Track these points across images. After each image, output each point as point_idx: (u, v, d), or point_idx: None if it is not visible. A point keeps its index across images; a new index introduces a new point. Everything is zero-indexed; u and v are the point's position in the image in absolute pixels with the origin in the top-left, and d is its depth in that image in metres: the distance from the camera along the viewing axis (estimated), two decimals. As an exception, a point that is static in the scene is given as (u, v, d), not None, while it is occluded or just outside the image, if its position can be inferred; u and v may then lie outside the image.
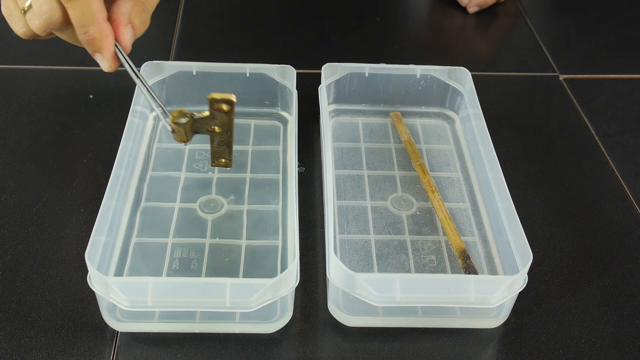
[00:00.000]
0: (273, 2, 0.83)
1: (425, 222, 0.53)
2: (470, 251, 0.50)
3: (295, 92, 0.58)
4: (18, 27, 0.49)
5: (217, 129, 0.46)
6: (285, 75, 0.59)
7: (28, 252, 0.50)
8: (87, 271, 0.42)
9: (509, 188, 0.49)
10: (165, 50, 0.72)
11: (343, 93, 0.62)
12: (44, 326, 0.45)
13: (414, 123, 0.62)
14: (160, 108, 0.47)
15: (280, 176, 0.56)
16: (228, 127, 0.46)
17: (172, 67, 0.59)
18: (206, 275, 0.48)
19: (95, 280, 0.42)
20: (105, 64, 0.47)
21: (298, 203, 0.49)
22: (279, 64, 0.59)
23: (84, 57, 0.70)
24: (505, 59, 0.75)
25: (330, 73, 0.60)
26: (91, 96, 0.65)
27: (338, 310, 0.46)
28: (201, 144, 0.59)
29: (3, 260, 0.49)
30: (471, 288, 0.42)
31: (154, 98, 0.47)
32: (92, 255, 0.43)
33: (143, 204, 0.53)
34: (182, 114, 0.45)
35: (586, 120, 0.66)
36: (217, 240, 0.50)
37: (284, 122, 0.61)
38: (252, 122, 0.61)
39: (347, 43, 0.76)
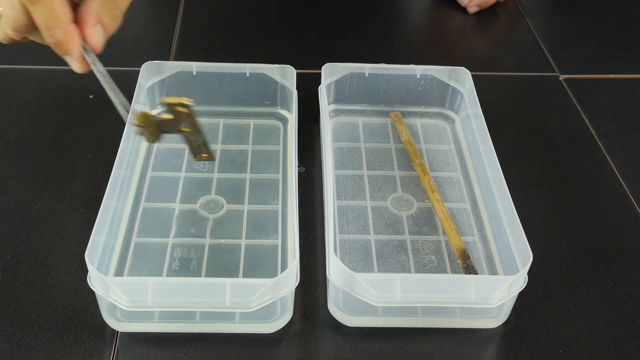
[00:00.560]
0: (273, 2, 0.83)
1: (425, 222, 0.53)
2: (470, 251, 0.50)
3: (295, 92, 0.58)
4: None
5: (185, 128, 0.46)
6: (285, 75, 0.59)
7: (28, 252, 0.50)
8: (87, 271, 0.42)
9: (509, 188, 0.49)
10: (165, 50, 0.72)
11: (343, 93, 0.62)
12: (44, 326, 0.45)
13: (414, 123, 0.62)
14: (125, 111, 0.47)
15: (280, 176, 0.56)
16: (194, 126, 0.46)
17: (172, 67, 0.59)
18: (206, 275, 0.48)
19: (95, 280, 0.42)
20: (75, 65, 0.47)
21: (298, 203, 0.49)
22: (279, 64, 0.59)
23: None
24: (505, 59, 0.75)
25: (330, 73, 0.60)
26: (91, 96, 0.65)
27: (338, 310, 0.46)
28: (201, 144, 0.59)
29: (3, 260, 0.49)
30: (471, 288, 0.42)
31: (119, 101, 0.47)
32: (92, 255, 0.43)
33: (143, 204, 0.53)
34: (145, 118, 0.46)
35: (586, 120, 0.66)
36: (217, 240, 0.50)
37: (284, 122, 0.61)
38: (252, 122, 0.61)
39: (347, 43, 0.76)
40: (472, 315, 0.46)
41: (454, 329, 0.46)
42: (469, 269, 0.48)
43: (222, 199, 0.54)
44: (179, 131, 0.46)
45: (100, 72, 0.47)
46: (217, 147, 0.58)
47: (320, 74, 0.59)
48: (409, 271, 0.49)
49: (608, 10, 0.84)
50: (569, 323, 0.47)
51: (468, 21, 0.81)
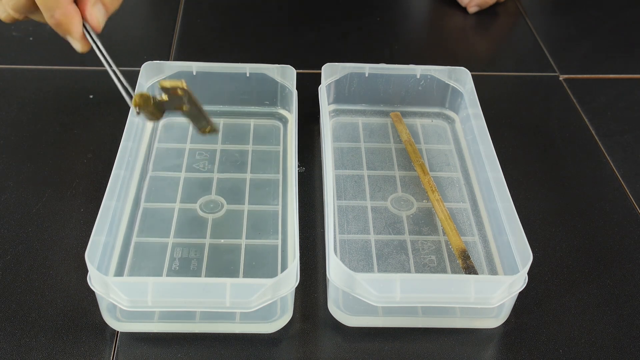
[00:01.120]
0: (273, 2, 0.83)
1: (425, 222, 0.53)
2: (470, 251, 0.50)
3: (295, 92, 0.58)
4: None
5: (184, 107, 0.47)
6: (285, 75, 0.59)
7: (28, 252, 0.50)
8: (87, 271, 0.42)
9: (509, 188, 0.49)
10: (165, 50, 0.72)
11: (343, 93, 0.62)
12: (44, 326, 0.45)
13: (414, 123, 0.62)
14: (126, 91, 0.47)
15: (280, 176, 0.56)
16: (193, 103, 0.47)
17: (172, 67, 0.59)
18: (206, 275, 0.48)
19: (95, 280, 0.42)
20: (77, 45, 0.47)
21: (298, 203, 0.49)
22: (279, 64, 0.59)
23: (84, 57, 0.70)
24: (505, 59, 0.75)
25: (330, 73, 0.60)
26: (91, 96, 0.65)
27: (338, 310, 0.46)
28: (201, 144, 0.59)
29: (3, 260, 0.49)
30: (471, 288, 0.42)
31: (120, 81, 0.47)
32: (92, 255, 0.43)
33: (143, 204, 0.53)
34: (144, 99, 0.46)
35: (586, 120, 0.66)
36: (217, 240, 0.50)
37: (284, 122, 0.61)
38: (252, 122, 0.61)
39: (347, 43, 0.76)
40: (472, 315, 0.46)
41: (454, 329, 0.46)
42: (469, 269, 0.48)
43: (222, 199, 0.54)
44: (179, 109, 0.47)
45: (101, 52, 0.48)
46: (217, 147, 0.58)
47: (320, 74, 0.59)
48: (409, 271, 0.49)
49: (608, 10, 0.84)
50: (569, 323, 0.47)
51: (468, 21, 0.81)
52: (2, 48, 0.71)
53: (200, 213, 0.52)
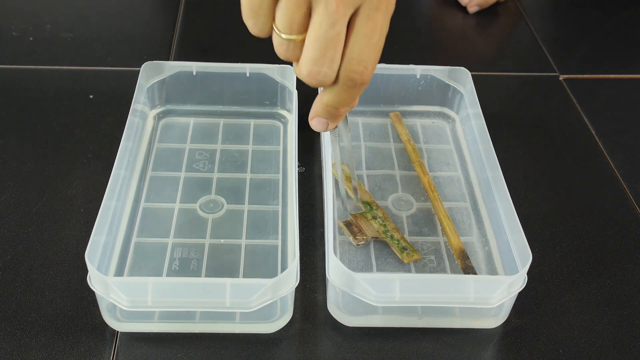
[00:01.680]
0: (273, 2, 0.82)
1: (425, 222, 0.53)
2: (470, 251, 0.50)
3: (295, 92, 0.58)
4: (258, 27, 0.42)
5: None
6: (285, 75, 0.59)
7: (28, 252, 0.50)
8: (87, 271, 0.42)
9: (509, 188, 0.49)
10: (165, 50, 0.72)
11: (343, 93, 0.62)
12: (44, 326, 0.45)
13: (414, 123, 0.62)
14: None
15: (280, 176, 0.56)
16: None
17: (172, 67, 0.59)
18: (206, 275, 0.48)
19: (95, 280, 0.42)
20: (319, 128, 0.44)
21: (298, 203, 0.49)
22: (279, 64, 0.59)
23: (84, 57, 0.70)
24: (505, 59, 0.75)
25: (330, 73, 0.60)
26: (91, 96, 0.65)
27: (338, 310, 0.46)
28: (201, 144, 0.59)
29: (3, 260, 0.49)
30: (471, 288, 0.42)
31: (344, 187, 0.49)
32: (92, 255, 0.43)
33: (143, 204, 0.53)
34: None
35: (586, 120, 0.66)
36: (217, 240, 0.50)
37: (284, 122, 0.61)
38: (252, 122, 0.61)
39: (347, 43, 0.75)
40: (471, 315, 0.46)
41: (453, 329, 0.46)
42: (468, 269, 0.48)
43: (222, 199, 0.54)
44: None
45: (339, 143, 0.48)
46: (217, 147, 0.58)
47: (320, 74, 0.59)
48: (408, 271, 0.49)
49: (608, 10, 0.84)
50: (569, 323, 0.47)
51: (468, 21, 0.81)
52: (2, 48, 0.71)
53: (200, 213, 0.52)
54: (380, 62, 0.59)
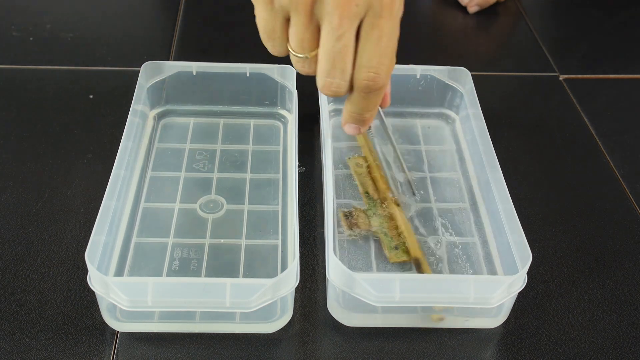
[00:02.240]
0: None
1: (425, 222, 0.53)
2: (470, 251, 0.50)
3: (295, 92, 0.58)
4: (276, 49, 0.43)
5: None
6: (285, 75, 0.59)
7: (28, 252, 0.50)
8: (87, 271, 0.42)
9: (509, 188, 0.49)
10: (165, 50, 0.72)
11: (343, 93, 0.62)
12: (44, 326, 0.45)
13: (414, 123, 0.62)
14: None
15: (280, 176, 0.56)
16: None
17: (172, 67, 0.59)
18: (206, 275, 0.48)
19: (95, 280, 0.42)
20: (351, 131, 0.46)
21: (298, 203, 0.49)
22: (279, 64, 0.59)
23: (84, 57, 0.70)
24: (505, 59, 0.75)
25: (330, 73, 0.60)
26: (91, 96, 0.65)
27: (338, 310, 0.46)
28: (201, 144, 0.59)
29: (3, 260, 0.49)
30: (471, 288, 0.42)
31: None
32: (92, 255, 0.43)
33: (143, 204, 0.53)
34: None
35: (586, 120, 0.66)
36: (217, 240, 0.50)
37: (284, 122, 0.61)
38: (252, 122, 0.61)
39: (347, 43, 0.75)
40: (471, 315, 0.46)
41: (453, 329, 0.46)
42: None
43: (222, 199, 0.54)
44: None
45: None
46: (217, 147, 0.58)
47: (320, 74, 0.59)
48: (408, 271, 0.49)
49: (608, 10, 0.84)
50: (569, 323, 0.47)
51: (468, 21, 0.81)
52: (2, 48, 0.71)
53: (200, 213, 0.52)
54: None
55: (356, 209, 0.52)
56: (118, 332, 0.45)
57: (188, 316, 0.45)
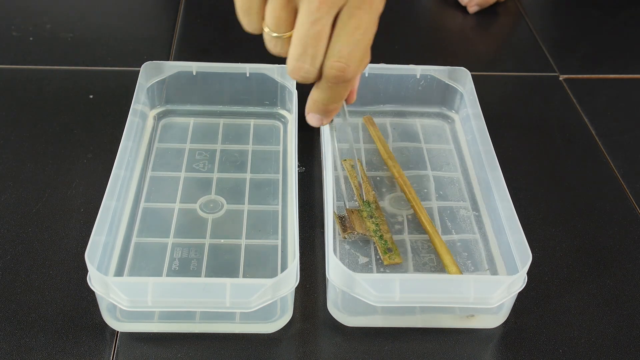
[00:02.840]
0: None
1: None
2: (470, 251, 0.50)
3: (295, 92, 0.58)
4: (251, 25, 0.42)
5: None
6: (285, 75, 0.59)
7: (28, 252, 0.50)
8: (87, 271, 0.42)
9: (509, 188, 0.49)
10: (165, 50, 0.72)
11: (343, 93, 0.62)
12: (44, 326, 0.45)
13: (414, 123, 0.62)
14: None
15: (280, 176, 0.56)
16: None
17: (172, 67, 0.59)
18: (206, 275, 0.48)
19: (95, 280, 0.42)
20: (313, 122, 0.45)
21: (298, 203, 0.49)
22: (279, 64, 0.59)
23: (84, 57, 0.70)
24: (505, 59, 0.75)
25: (330, 73, 0.60)
26: (91, 96, 0.65)
27: (338, 310, 0.46)
28: (201, 144, 0.59)
29: (3, 260, 0.49)
30: (471, 288, 0.42)
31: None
32: (92, 255, 0.43)
33: (143, 204, 0.53)
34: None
35: (586, 120, 0.66)
36: (217, 240, 0.50)
37: (284, 122, 0.61)
38: (252, 122, 0.61)
39: (347, 43, 0.75)
40: (471, 315, 0.46)
41: (453, 329, 0.46)
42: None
43: (222, 199, 0.54)
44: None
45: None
46: (217, 147, 0.58)
47: (320, 74, 0.59)
48: (408, 271, 0.49)
49: (608, 10, 0.84)
50: (569, 323, 0.47)
51: (468, 21, 0.81)
52: (2, 48, 0.71)
53: (200, 213, 0.52)
54: (380, 62, 0.60)
55: (351, 211, 0.52)
56: (118, 332, 0.45)
57: (188, 316, 0.45)
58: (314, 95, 0.42)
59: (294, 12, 0.38)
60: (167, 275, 0.48)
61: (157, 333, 0.45)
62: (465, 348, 0.45)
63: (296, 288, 0.44)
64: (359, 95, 0.61)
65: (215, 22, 0.78)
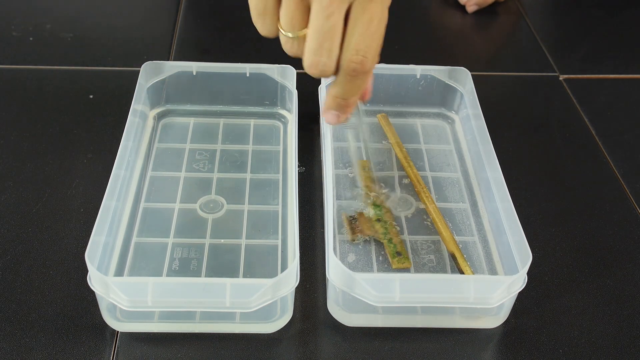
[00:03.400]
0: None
1: (425, 222, 0.53)
2: (470, 251, 0.50)
3: (295, 92, 0.58)
4: (265, 28, 0.43)
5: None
6: (285, 75, 0.59)
7: (28, 252, 0.50)
8: (87, 271, 0.42)
9: (509, 188, 0.49)
10: (165, 50, 0.72)
11: (343, 93, 0.62)
12: (44, 326, 0.45)
13: (414, 123, 0.62)
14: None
15: (280, 176, 0.56)
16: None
17: (172, 67, 0.59)
18: (206, 275, 0.48)
19: (95, 280, 0.42)
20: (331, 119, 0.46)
21: (298, 203, 0.49)
22: (279, 64, 0.59)
23: (84, 57, 0.70)
24: (505, 59, 0.75)
25: (330, 73, 0.60)
26: (91, 96, 0.65)
27: (338, 310, 0.46)
28: (201, 144, 0.59)
29: (3, 260, 0.49)
30: (471, 288, 0.42)
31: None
32: (92, 255, 0.43)
33: (143, 204, 0.53)
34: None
35: (586, 120, 0.66)
36: (217, 240, 0.50)
37: (284, 122, 0.61)
38: (252, 122, 0.61)
39: (347, 43, 0.75)
40: (471, 315, 0.46)
41: (453, 329, 0.46)
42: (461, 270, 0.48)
43: (222, 199, 0.54)
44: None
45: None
46: (217, 147, 0.58)
47: (320, 74, 0.59)
48: (408, 271, 0.49)
49: (608, 10, 0.84)
50: (569, 323, 0.47)
51: (468, 21, 0.81)
52: (2, 48, 0.71)
53: (200, 213, 0.52)
54: (380, 62, 0.60)
55: (360, 213, 0.52)
56: (118, 332, 0.45)
57: (188, 316, 0.45)
58: (332, 92, 0.43)
59: (307, 10, 0.40)
60: (167, 275, 0.48)
61: (157, 333, 0.45)
62: (465, 348, 0.45)
63: (296, 288, 0.44)
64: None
65: (215, 22, 0.78)
